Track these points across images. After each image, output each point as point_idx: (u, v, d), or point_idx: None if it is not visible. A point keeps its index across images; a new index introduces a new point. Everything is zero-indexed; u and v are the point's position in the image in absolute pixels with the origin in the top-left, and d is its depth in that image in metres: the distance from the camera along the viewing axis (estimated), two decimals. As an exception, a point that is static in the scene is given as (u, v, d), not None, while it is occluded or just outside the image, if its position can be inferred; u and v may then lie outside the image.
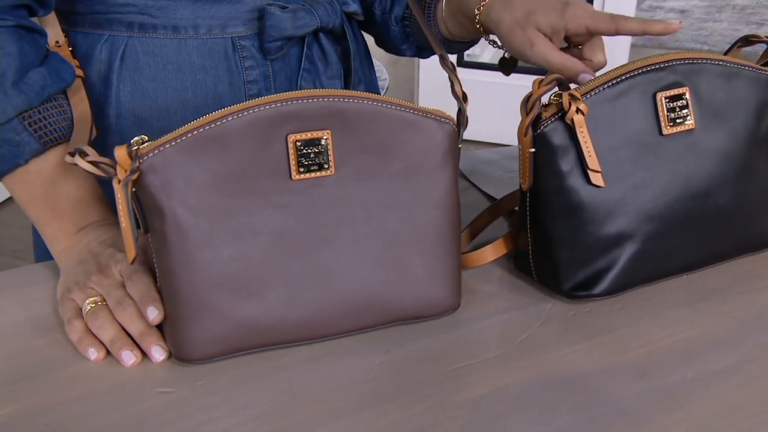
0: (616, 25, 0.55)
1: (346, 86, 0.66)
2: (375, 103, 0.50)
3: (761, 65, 0.59)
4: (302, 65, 0.63)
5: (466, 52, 3.18)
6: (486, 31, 0.62)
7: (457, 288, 0.54)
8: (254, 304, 0.49)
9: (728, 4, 3.78)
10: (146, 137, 0.45)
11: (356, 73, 0.67)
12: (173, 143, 0.46)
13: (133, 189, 0.46)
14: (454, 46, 0.69)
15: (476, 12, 0.61)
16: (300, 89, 0.64)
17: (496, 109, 2.28)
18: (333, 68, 0.64)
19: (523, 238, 0.57)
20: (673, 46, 3.24)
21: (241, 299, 0.48)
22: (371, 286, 0.51)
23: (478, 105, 1.59)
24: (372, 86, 0.74)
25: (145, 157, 0.45)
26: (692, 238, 0.55)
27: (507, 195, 0.65)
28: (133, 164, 0.44)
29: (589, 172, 0.52)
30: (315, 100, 0.48)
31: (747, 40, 0.60)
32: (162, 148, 0.46)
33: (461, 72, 2.21)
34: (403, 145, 0.51)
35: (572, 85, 0.54)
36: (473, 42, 0.70)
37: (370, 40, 0.77)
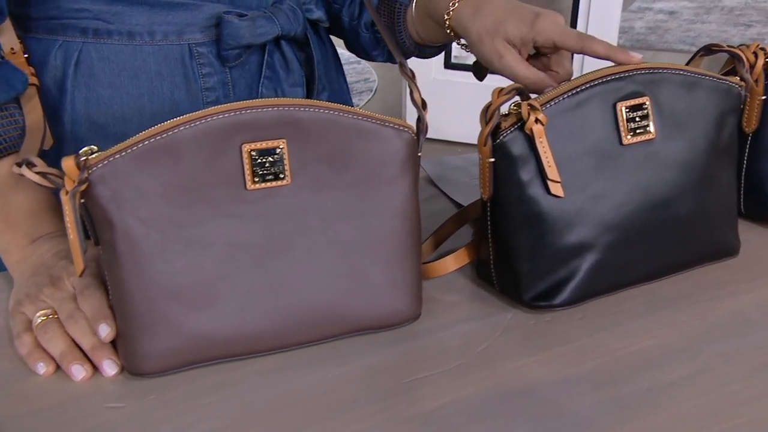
0: (582, 45, 0.56)
1: (309, 94, 0.65)
2: (331, 111, 0.49)
3: (722, 74, 0.60)
4: (263, 73, 0.62)
5: (453, 54, 3.20)
6: (456, 36, 0.62)
7: (417, 298, 0.53)
8: (208, 316, 0.48)
9: (717, 6, 3.82)
10: (95, 147, 0.44)
11: (320, 81, 0.66)
12: (123, 153, 0.45)
13: (82, 200, 0.44)
14: (426, 50, 0.69)
15: (445, 17, 0.60)
16: (261, 97, 0.64)
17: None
18: (295, 76, 0.63)
19: (484, 247, 0.57)
20: (662, 47, 3.26)
21: (195, 311, 0.48)
22: (328, 297, 0.50)
23: (465, 107, 1.59)
24: (339, 94, 0.73)
25: (94, 168, 0.44)
26: (652, 247, 0.55)
27: (473, 203, 0.64)
28: (81, 175, 0.43)
29: (548, 182, 0.52)
30: (269, 109, 0.48)
31: (709, 50, 0.60)
32: (111, 159, 0.45)
33: (448, 74, 2.21)
34: (360, 154, 0.50)
35: (532, 95, 0.54)
36: (445, 46, 0.70)
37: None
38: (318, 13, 0.66)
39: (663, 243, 0.56)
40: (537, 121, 0.51)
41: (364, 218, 0.51)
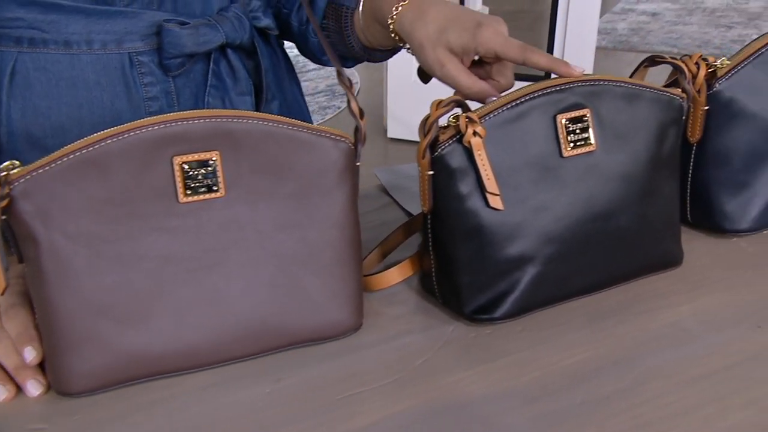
0: (525, 56, 0.55)
1: (258, 103, 0.65)
2: (265, 122, 0.49)
3: (665, 86, 0.60)
4: (209, 82, 0.61)
5: None
6: (402, 41, 0.61)
7: (357, 309, 0.53)
8: (140, 333, 0.47)
9: (699, 7, 3.86)
10: (17, 162, 0.43)
11: (269, 90, 0.65)
12: (47, 168, 0.44)
13: (4, 216, 0.44)
14: (376, 54, 0.68)
15: (389, 21, 0.60)
16: (207, 106, 0.63)
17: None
18: (242, 85, 0.63)
19: (426, 259, 0.56)
20: (644, 48, 3.29)
21: (126, 328, 0.47)
22: (265, 310, 0.50)
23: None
24: (292, 102, 0.72)
25: (15, 183, 0.43)
26: (594, 259, 0.56)
27: (420, 213, 0.64)
28: (1, 190, 0.42)
29: (487, 195, 0.52)
30: (201, 120, 0.47)
31: (652, 61, 0.61)
32: (35, 173, 0.44)
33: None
34: (297, 165, 0.50)
35: (473, 106, 0.54)
36: (396, 50, 0.69)
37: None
38: (266, 21, 0.65)
39: (604, 255, 0.56)
40: (475, 133, 0.51)
41: (302, 229, 0.50)
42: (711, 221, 0.65)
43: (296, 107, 0.72)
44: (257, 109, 0.64)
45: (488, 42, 0.55)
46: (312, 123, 0.81)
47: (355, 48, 0.66)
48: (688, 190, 0.65)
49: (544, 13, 2.95)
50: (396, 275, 0.58)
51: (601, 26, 3.68)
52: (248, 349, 0.50)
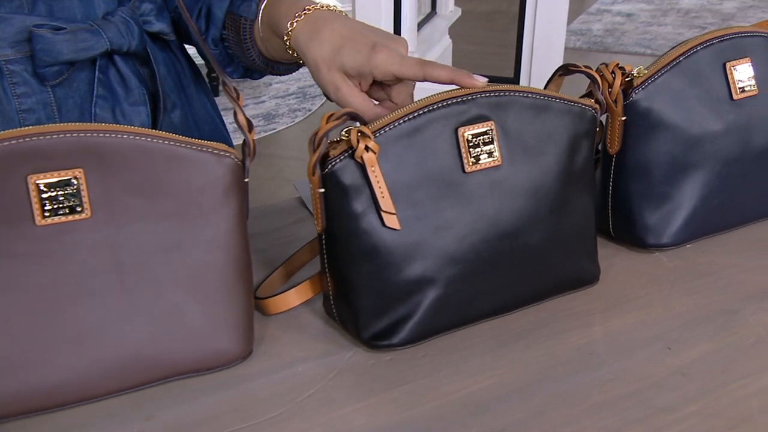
0: (424, 73, 0.52)
1: (155, 113, 0.61)
2: (137, 137, 0.45)
3: (582, 97, 0.57)
4: (95, 91, 0.57)
5: None
6: (299, 57, 0.58)
7: (244, 336, 0.49)
8: (-6, 370, 0.43)
9: (673, 8, 3.91)
10: None
11: (168, 98, 0.61)
12: None
13: None
14: (279, 67, 0.65)
15: (285, 37, 0.57)
16: (95, 117, 0.58)
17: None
18: (135, 94, 0.58)
19: (325, 281, 0.53)
20: (618, 49, 3.30)
21: (-23, 365, 0.43)
22: (139, 341, 0.46)
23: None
24: (200, 111, 0.68)
25: None
26: (502, 279, 0.53)
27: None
28: None
29: (382, 214, 0.48)
30: (61, 135, 0.43)
31: (567, 70, 0.58)
32: None
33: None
34: (175, 182, 0.46)
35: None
36: (300, 63, 0.66)
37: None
38: (159, 26, 0.61)
39: (513, 274, 0.53)
40: (367, 148, 0.47)
41: (182, 252, 0.46)
42: (633, 235, 0.63)
43: (205, 117, 0.68)
44: (155, 120, 0.60)
45: (384, 65, 0.52)
46: (228, 133, 0.77)
47: (257, 61, 0.63)
48: (610, 204, 0.63)
49: (513, 15, 2.94)
50: (294, 297, 0.54)
51: (576, 27, 3.70)
52: (121, 384, 0.46)
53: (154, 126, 0.60)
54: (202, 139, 0.50)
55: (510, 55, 2.60)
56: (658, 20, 3.74)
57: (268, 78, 3.57)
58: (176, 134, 0.62)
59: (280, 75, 0.66)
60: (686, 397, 0.46)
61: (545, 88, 0.58)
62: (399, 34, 2.82)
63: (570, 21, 3.81)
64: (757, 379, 0.47)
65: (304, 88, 3.36)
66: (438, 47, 3.10)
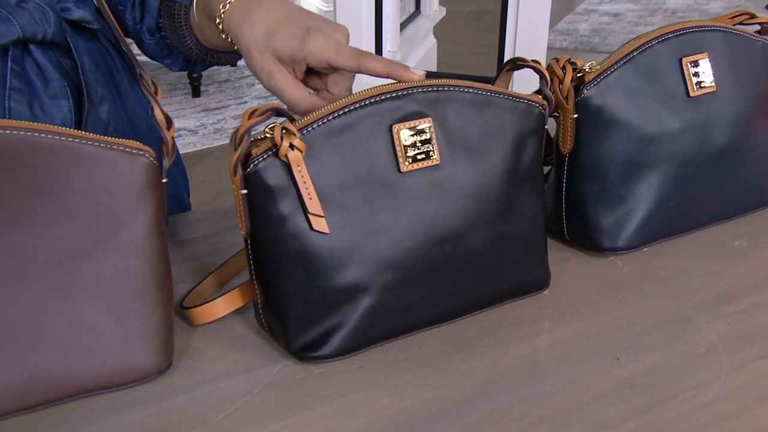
0: (359, 63, 0.49)
1: (80, 107, 0.57)
2: (39, 134, 0.41)
3: (534, 93, 0.55)
4: (8, 83, 0.53)
5: (383, 53, 3.15)
6: (233, 42, 0.54)
7: (162, 349, 0.46)
8: None
9: (660, 8, 3.90)
10: None
11: (95, 92, 0.58)
12: None
13: None
14: (219, 56, 0.61)
15: (218, 20, 0.53)
16: (10, 112, 0.55)
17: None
18: (54, 86, 0.55)
19: (254, 289, 0.50)
20: (604, 49, 3.28)
21: None
22: (42, 354, 0.42)
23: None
24: (135, 106, 0.64)
25: None
26: (442, 286, 0.50)
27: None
28: None
29: (310, 216, 0.45)
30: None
31: (515, 64, 0.55)
32: None
33: (381, 81, 2.16)
34: (82, 183, 0.42)
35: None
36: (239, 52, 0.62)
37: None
38: (80, 13, 0.57)
39: (455, 281, 0.50)
40: (293, 147, 0.44)
41: (92, 258, 0.43)
42: (587, 239, 0.60)
43: (141, 113, 0.65)
44: (79, 115, 0.57)
45: (318, 51, 0.49)
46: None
47: (194, 50, 0.59)
48: (563, 206, 0.60)
49: (494, 12, 2.92)
50: (222, 307, 0.51)
51: (563, 27, 3.68)
52: (19, 403, 0.42)
53: (79, 120, 0.57)
54: (136, 137, 0.47)
55: (496, 55, 2.58)
56: (645, 20, 3.74)
57: (251, 78, 3.52)
58: (103, 130, 0.59)
59: (221, 65, 0.63)
60: (631, 411, 0.43)
61: (493, 83, 0.55)
62: (380, 34, 2.79)
63: (557, 21, 3.80)
64: (706, 391, 0.44)
65: (286, 89, 3.33)
66: (422, 47, 3.07)
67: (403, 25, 2.96)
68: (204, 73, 3.29)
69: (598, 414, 0.43)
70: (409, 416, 0.44)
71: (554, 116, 0.58)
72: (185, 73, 3.31)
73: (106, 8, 0.47)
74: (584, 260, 0.59)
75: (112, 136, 0.44)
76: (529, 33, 2.62)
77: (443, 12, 3.33)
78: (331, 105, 0.46)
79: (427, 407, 0.44)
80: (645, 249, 0.60)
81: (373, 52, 2.84)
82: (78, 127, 0.58)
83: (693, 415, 0.43)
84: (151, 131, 0.66)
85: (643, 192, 0.58)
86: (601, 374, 0.46)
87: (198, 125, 2.85)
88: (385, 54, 2.99)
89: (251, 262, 0.48)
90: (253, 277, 0.48)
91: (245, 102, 3.22)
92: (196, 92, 3.15)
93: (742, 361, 0.47)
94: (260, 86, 3.47)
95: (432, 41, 3.20)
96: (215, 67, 3.43)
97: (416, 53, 3.01)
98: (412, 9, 3.12)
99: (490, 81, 0.52)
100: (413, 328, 0.50)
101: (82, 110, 0.57)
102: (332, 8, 3.08)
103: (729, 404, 0.43)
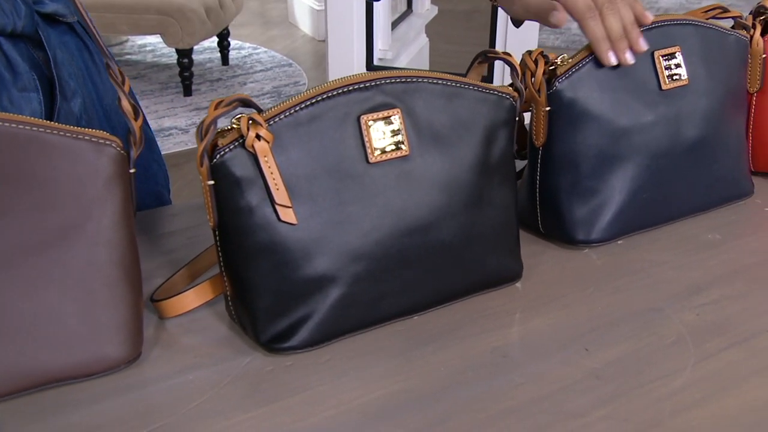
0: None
1: (51, 100, 0.57)
2: (1, 123, 0.41)
3: (508, 86, 0.55)
4: None
5: (378, 57, 3.13)
6: None
7: (131, 340, 0.46)
8: None
9: (652, 7, 3.90)
10: None
11: (67, 86, 0.57)
12: None
13: None
14: None
15: None
16: (-22, 105, 0.55)
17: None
18: (24, 79, 0.54)
19: (224, 281, 0.49)
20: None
21: None
22: (7, 347, 0.42)
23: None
24: (108, 102, 0.64)
25: None
26: (413, 277, 0.50)
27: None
28: None
29: (277, 207, 0.45)
30: None
31: (486, 56, 0.55)
32: None
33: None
34: (47, 173, 0.42)
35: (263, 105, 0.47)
36: None
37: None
38: (54, 6, 0.57)
39: (425, 272, 0.50)
40: (259, 137, 0.44)
41: (57, 249, 0.43)
42: (562, 231, 0.60)
43: (114, 108, 0.64)
44: (50, 109, 0.57)
45: None
46: (150, 128, 0.73)
47: None
48: (538, 198, 0.60)
49: (485, 14, 2.92)
50: (193, 299, 0.50)
51: None
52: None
53: (50, 114, 0.57)
54: (113, 132, 0.46)
55: (487, 54, 2.58)
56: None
57: (243, 77, 3.52)
58: (75, 124, 0.59)
59: None
60: (597, 401, 0.43)
61: (465, 75, 0.55)
62: (371, 33, 2.79)
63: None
64: (672, 381, 0.44)
65: (278, 88, 3.32)
66: (414, 46, 3.07)
67: (395, 24, 2.96)
68: (196, 72, 3.30)
69: (564, 404, 0.43)
70: (376, 407, 0.43)
71: (530, 110, 0.59)
72: (176, 72, 3.32)
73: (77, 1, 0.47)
74: (558, 253, 0.59)
75: (84, 130, 0.44)
76: (521, 31, 2.62)
77: (435, 11, 3.33)
78: (299, 96, 0.46)
79: (395, 398, 0.44)
80: (619, 242, 0.60)
81: (364, 52, 2.84)
82: (49, 120, 0.58)
83: (658, 404, 0.43)
84: (126, 126, 0.65)
85: (617, 184, 0.58)
86: (569, 365, 0.47)
87: (189, 124, 2.85)
88: (376, 53, 2.98)
89: (220, 253, 0.48)
90: (223, 268, 0.48)
91: (237, 101, 3.21)
92: (187, 91, 3.14)
93: (709, 351, 0.47)
94: (251, 85, 3.47)
95: (424, 40, 3.20)
96: (206, 66, 3.43)
97: (408, 52, 3.01)
98: (403, 8, 3.11)
99: (483, 80, 0.52)
100: (383, 319, 0.50)
101: (54, 104, 0.57)
102: (323, 7, 3.08)
103: (694, 393, 0.44)
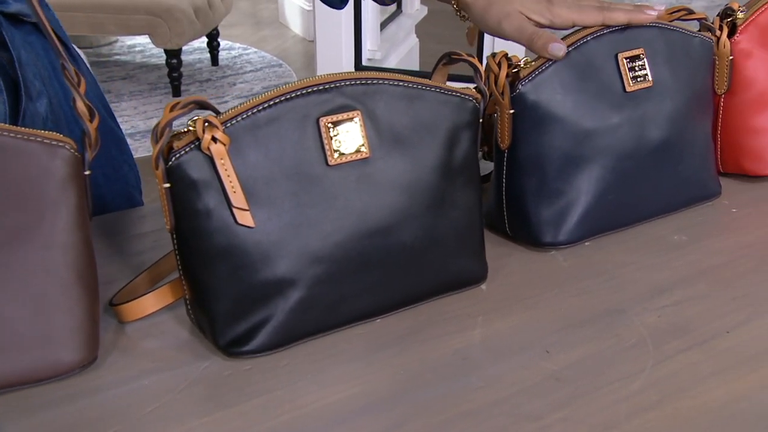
0: (603, 18, 0.56)
1: (16, 101, 0.56)
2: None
3: (472, 88, 0.54)
4: None
5: (367, 57, 3.13)
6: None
7: (86, 344, 0.45)
8: None
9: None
10: None
11: (32, 86, 0.57)
12: None
13: None
14: None
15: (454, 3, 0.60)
16: (-61, 107, 0.54)
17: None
18: (-14, 80, 0.54)
19: (182, 284, 0.49)
20: None
21: None
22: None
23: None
24: (69, 99, 0.63)
25: None
26: (373, 280, 0.49)
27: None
28: None
29: (234, 210, 0.45)
30: None
31: (450, 58, 0.55)
32: None
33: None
34: None
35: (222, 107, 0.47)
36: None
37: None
38: (17, 6, 0.56)
39: (387, 274, 0.50)
40: (215, 140, 0.44)
41: (8, 251, 0.42)
42: (529, 233, 0.60)
43: (71, 107, 0.63)
44: (15, 110, 0.56)
45: (563, 15, 0.57)
46: (120, 129, 0.73)
47: None
48: (504, 201, 0.60)
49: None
50: (152, 303, 0.50)
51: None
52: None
53: (15, 115, 0.56)
54: (81, 132, 0.46)
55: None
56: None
57: (232, 77, 3.52)
58: (41, 125, 0.58)
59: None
60: (555, 404, 0.43)
61: (430, 78, 0.55)
62: (360, 33, 2.79)
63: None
64: (630, 383, 0.44)
65: (268, 88, 3.32)
66: (404, 46, 3.07)
67: (384, 25, 2.95)
68: (185, 72, 3.29)
69: (521, 407, 0.43)
70: (333, 411, 0.43)
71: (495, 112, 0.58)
72: (165, 72, 3.31)
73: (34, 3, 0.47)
74: (525, 255, 0.59)
75: (50, 131, 0.44)
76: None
77: (425, 11, 3.33)
78: (256, 98, 0.46)
79: (352, 402, 0.44)
80: (586, 243, 0.60)
81: (353, 52, 2.83)
82: (14, 121, 0.57)
83: (614, 406, 0.43)
84: (100, 125, 0.65)
85: (582, 186, 0.58)
86: (529, 367, 0.46)
87: (177, 125, 2.84)
88: (365, 54, 2.98)
89: (178, 257, 0.47)
90: (181, 272, 0.48)
91: (226, 101, 3.20)
92: (176, 92, 3.13)
93: (668, 353, 0.47)
94: (241, 86, 3.47)
95: (414, 40, 3.20)
96: (196, 67, 3.42)
97: (397, 53, 3.01)
98: (393, 8, 3.11)
99: (471, 80, 0.52)
100: (344, 322, 0.50)
101: (20, 104, 0.56)
102: (312, 7, 3.08)
103: (651, 395, 0.43)
